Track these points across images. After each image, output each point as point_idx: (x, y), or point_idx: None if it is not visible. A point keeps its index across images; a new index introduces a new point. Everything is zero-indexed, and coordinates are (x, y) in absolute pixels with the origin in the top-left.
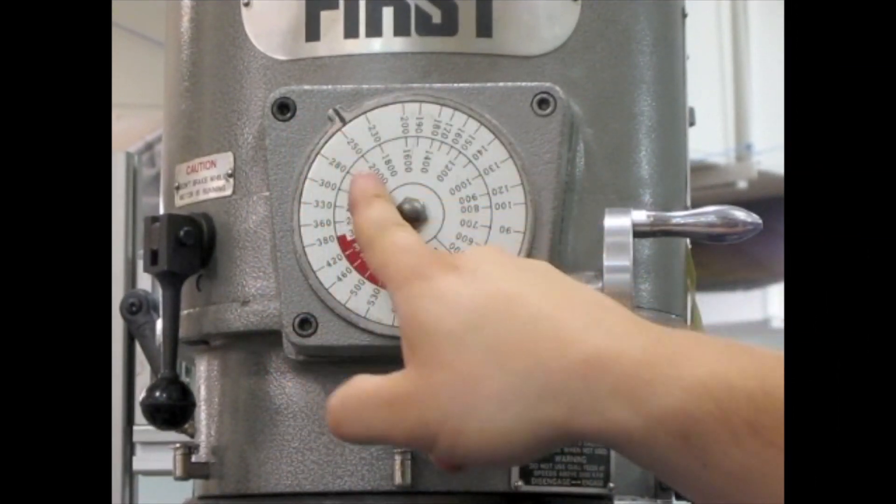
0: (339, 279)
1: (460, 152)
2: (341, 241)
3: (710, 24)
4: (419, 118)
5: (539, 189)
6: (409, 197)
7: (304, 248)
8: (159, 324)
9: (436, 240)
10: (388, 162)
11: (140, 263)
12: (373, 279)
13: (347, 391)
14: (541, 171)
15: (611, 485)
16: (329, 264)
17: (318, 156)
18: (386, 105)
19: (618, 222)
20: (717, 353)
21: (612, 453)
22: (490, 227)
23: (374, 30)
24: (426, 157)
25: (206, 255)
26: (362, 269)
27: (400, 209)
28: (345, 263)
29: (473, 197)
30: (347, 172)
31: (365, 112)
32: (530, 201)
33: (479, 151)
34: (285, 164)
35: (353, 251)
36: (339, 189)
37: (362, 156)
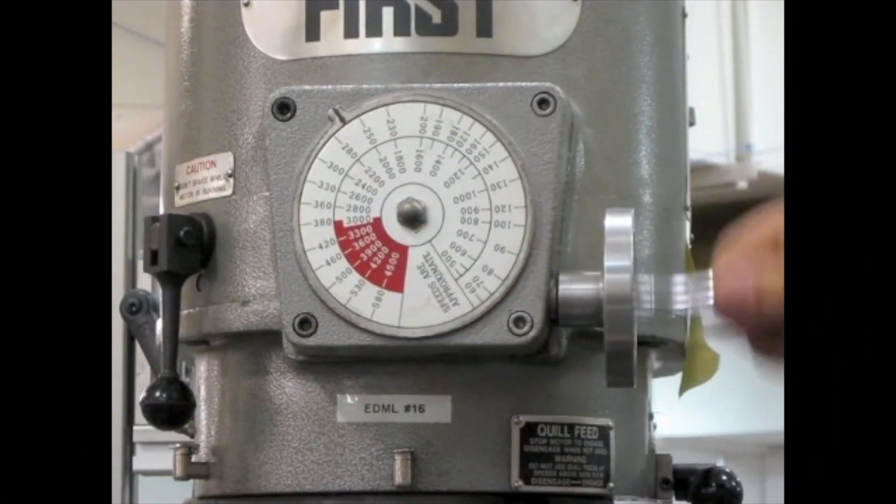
0: (339, 279)
1: (460, 153)
2: (349, 256)
3: (710, 24)
4: (419, 118)
5: (539, 189)
6: (410, 197)
7: (303, 247)
8: (159, 324)
9: (435, 239)
10: (387, 162)
11: (140, 263)
12: (373, 279)
13: None
14: (541, 171)
15: (611, 485)
16: (328, 263)
17: (318, 156)
18: (386, 105)
19: (618, 222)
20: None
21: (612, 453)
22: (490, 227)
23: (374, 30)
24: (426, 158)
25: (206, 255)
26: (362, 269)
27: (400, 209)
28: (344, 263)
29: (473, 197)
30: (347, 172)
31: (365, 112)
32: (530, 201)
33: (479, 152)
34: (285, 164)
35: (352, 250)
36: (339, 189)
37: (362, 156)
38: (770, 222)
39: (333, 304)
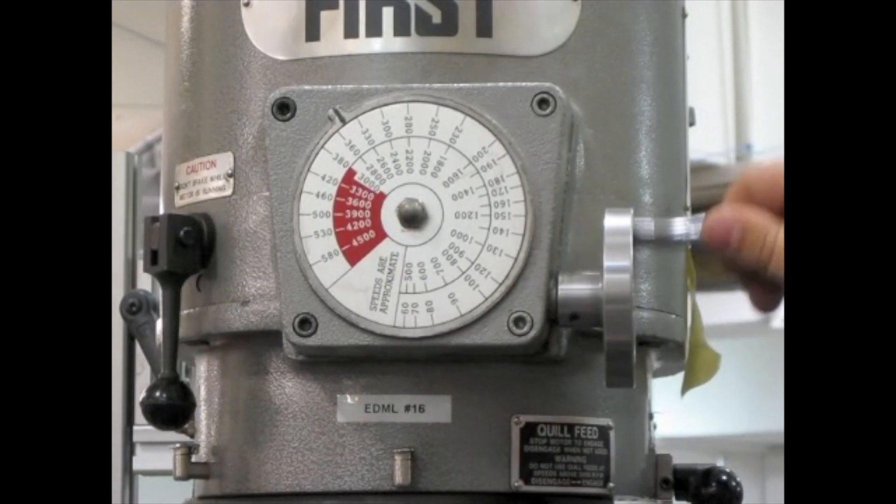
0: (318, 238)
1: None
2: (337, 204)
3: (710, 24)
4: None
5: (539, 189)
6: (409, 197)
7: (303, 247)
8: (159, 324)
9: (417, 248)
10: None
11: (140, 263)
12: (347, 254)
13: None
14: (541, 171)
15: (611, 485)
16: (315, 218)
17: (318, 156)
18: (386, 105)
19: (618, 222)
20: None
21: (612, 453)
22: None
23: (374, 30)
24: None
25: (206, 255)
26: (338, 222)
27: (399, 209)
28: (329, 226)
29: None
30: (374, 147)
31: (365, 112)
32: (530, 201)
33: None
34: (285, 164)
35: (342, 201)
36: (361, 158)
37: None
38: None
39: (333, 304)
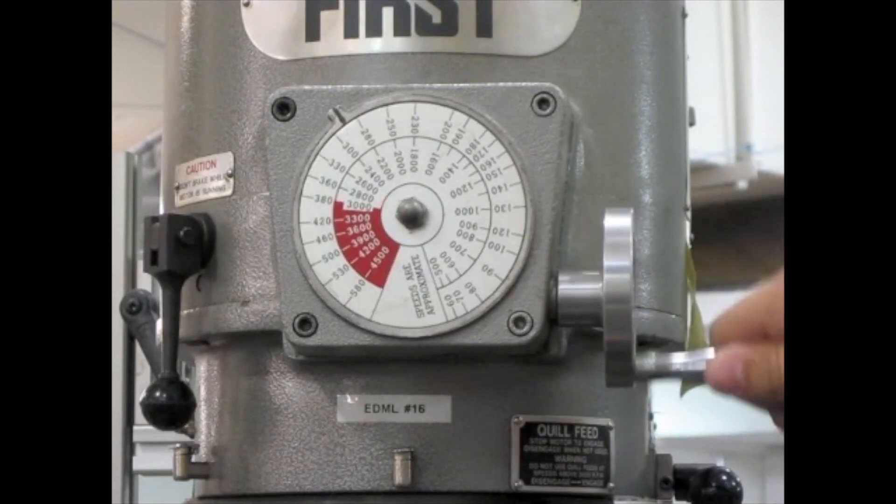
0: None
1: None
2: (340, 239)
3: (710, 24)
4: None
5: (539, 189)
6: (413, 198)
7: (303, 247)
8: (159, 324)
9: (429, 243)
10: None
11: (140, 263)
12: (357, 266)
13: None
14: (541, 171)
15: (611, 485)
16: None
17: (318, 155)
18: (386, 105)
19: (618, 222)
20: None
21: (612, 453)
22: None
23: (374, 30)
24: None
25: (206, 255)
26: (350, 254)
27: (400, 207)
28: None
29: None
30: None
31: (365, 112)
32: (530, 201)
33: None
34: (285, 164)
35: (345, 234)
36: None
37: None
38: (759, 310)
39: (334, 304)
